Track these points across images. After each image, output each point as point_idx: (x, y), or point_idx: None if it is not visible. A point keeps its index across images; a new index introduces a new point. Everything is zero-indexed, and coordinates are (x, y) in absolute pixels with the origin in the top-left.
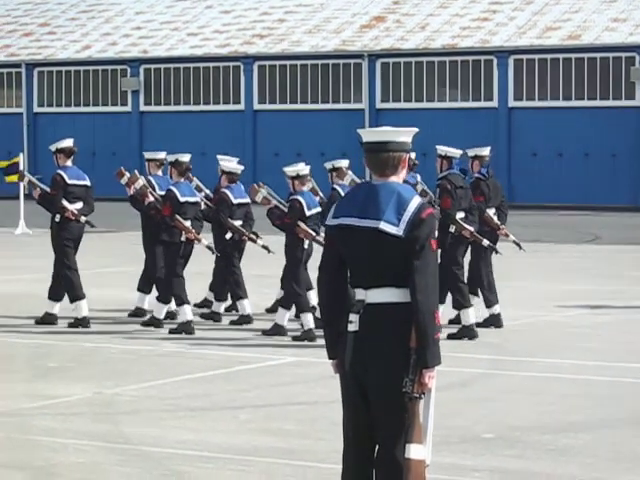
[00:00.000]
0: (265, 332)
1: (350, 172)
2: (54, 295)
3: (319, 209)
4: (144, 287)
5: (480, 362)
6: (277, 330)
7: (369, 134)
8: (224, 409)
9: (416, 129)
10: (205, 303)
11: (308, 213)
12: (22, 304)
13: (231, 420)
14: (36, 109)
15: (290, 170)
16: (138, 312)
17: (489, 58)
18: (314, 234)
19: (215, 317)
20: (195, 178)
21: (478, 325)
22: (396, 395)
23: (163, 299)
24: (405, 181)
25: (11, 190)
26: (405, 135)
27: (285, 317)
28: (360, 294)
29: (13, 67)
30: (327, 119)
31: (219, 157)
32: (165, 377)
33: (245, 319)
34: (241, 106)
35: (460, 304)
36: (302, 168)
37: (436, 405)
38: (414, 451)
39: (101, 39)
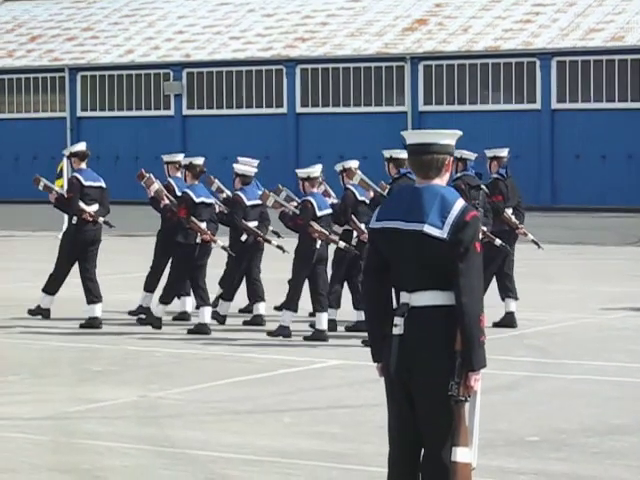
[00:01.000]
0: (270, 333)
1: (359, 172)
2: (91, 298)
3: (330, 210)
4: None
5: (525, 365)
6: (282, 331)
7: (413, 136)
8: (269, 412)
9: (459, 132)
10: (216, 303)
11: (319, 214)
12: (66, 308)
13: (276, 423)
14: (79, 113)
15: (302, 172)
16: (142, 310)
17: (532, 60)
18: (327, 233)
19: (219, 318)
20: (217, 180)
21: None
22: (442, 398)
23: (167, 300)
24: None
25: None
26: (449, 137)
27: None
28: (404, 297)
29: (56, 72)
30: (369, 122)
31: (239, 159)
32: (209, 380)
33: (257, 320)
34: (284, 109)
35: None
36: (313, 170)
37: (481, 408)
38: (460, 454)
39: (144, 43)
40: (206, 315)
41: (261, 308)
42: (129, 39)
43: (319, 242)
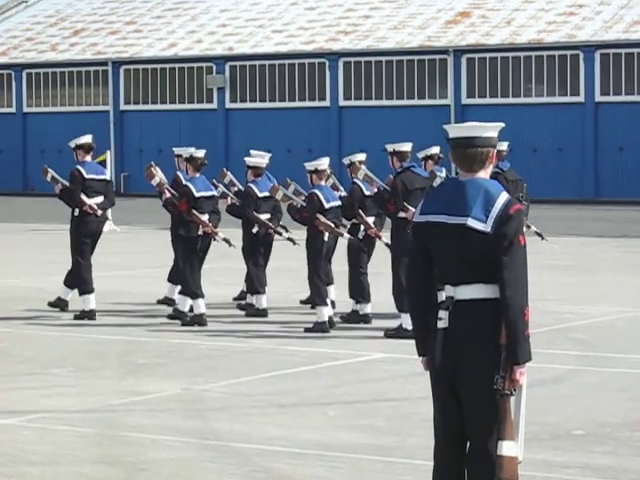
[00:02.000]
0: (307, 329)
1: (363, 167)
2: (69, 283)
3: (338, 202)
4: (174, 278)
5: (570, 358)
6: (319, 327)
7: (456, 130)
8: (313, 405)
9: (502, 124)
10: (242, 295)
11: (327, 206)
12: (111, 301)
13: (320, 416)
14: (122, 107)
15: (309, 165)
16: (167, 302)
17: (575, 53)
18: (333, 226)
19: (248, 309)
20: (229, 172)
21: None
22: (487, 392)
23: (186, 292)
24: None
25: None
26: (491, 130)
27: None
28: (449, 291)
29: (100, 65)
30: (412, 115)
31: (252, 152)
32: (254, 373)
33: (261, 312)
34: (326, 102)
35: None
36: (320, 163)
37: (527, 401)
38: (506, 448)
39: (187, 37)
40: (201, 305)
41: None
42: (172, 32)
43: (326, 234)
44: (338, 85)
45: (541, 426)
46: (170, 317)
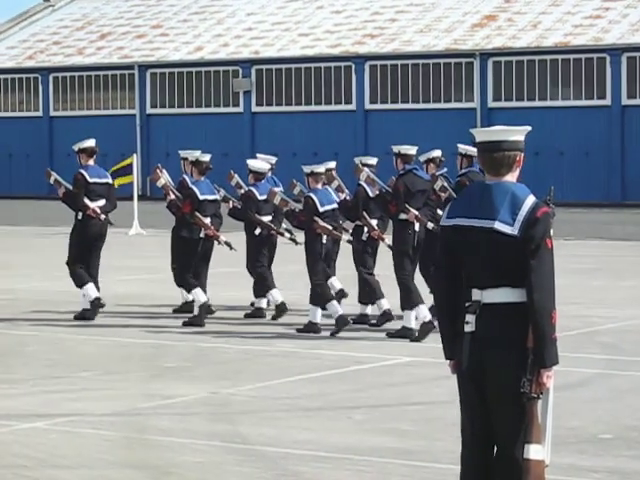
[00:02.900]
0: (299, 330)
1: (366, 169)
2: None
3: (334, 205)
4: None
5: (596, 362)
6: (311, 328)
7: (482, 134)
8: (339, 409)
9: (529, 128)
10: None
11: (321, 209)
12: (137, 303)
13: (346, 420)
14: (149, 110)
15: (306, 168)
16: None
17: (602, 56)
18: (330, 228)
19: (258, 314)
20: (236, 175)
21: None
22: (514, 395)
23: (183, 285)
24: (433, 174)
25: (124, 191)
26: (518, 134)
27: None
28: (476, 295)
29: (126, 69)
30: (438, 118)
31: (258, 155)
32: (280, 377)
33: (258, 312)
34: (352, 106)
35: None
36: (317, 166)
37: (553, 405)
38: (533, 451)
39: (213, 40)
40: (200, 294)
41: (263, 302)
42: (198, 36)
43: (325, 237)
44: (364, 88)
45: (568, 430)
46: (185, 324)
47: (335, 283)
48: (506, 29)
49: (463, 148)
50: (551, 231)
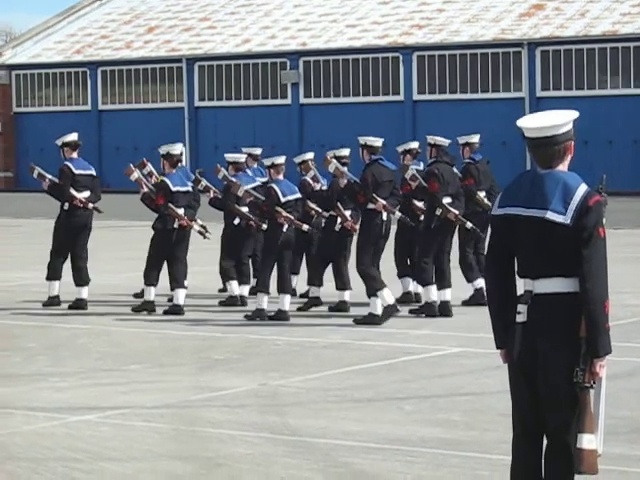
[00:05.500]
0: (247, 317)
1: (334, 160)
2: (79, 281)
3: (297, 196)
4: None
5: None
6: (258, 314)
7: (532, 131)
8: (389, 400)
9: (577, 113)
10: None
11: (283, 199)
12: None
13: (396, 411)
14: (197, 103)
15: (267, 160)
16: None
17: None
18: (292, 218)
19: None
20: (223, 168)
21: (464, 303)
22: (567, 385)
23: (145, 278)
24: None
25: None
26: (566, 125)
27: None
28: (528, 284)
29: (174, 62)
30: (487, 108)
31: (243, 149)
32: (330, 368)
33: (233, 300)
34: (400, 97)
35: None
36: (277, 158)
37: (605, 395)
38: (586, 441)
39: (260, 32)
40: (180, 297)
41: (245, 290)
42: (245, 28)
43: (285, 226)
44: (412, 79)
45: (618, 420)
46: (165, 312)
47: (293, 281)
48: (554, 18)
49: (432, 139)
50: (604, 220)
